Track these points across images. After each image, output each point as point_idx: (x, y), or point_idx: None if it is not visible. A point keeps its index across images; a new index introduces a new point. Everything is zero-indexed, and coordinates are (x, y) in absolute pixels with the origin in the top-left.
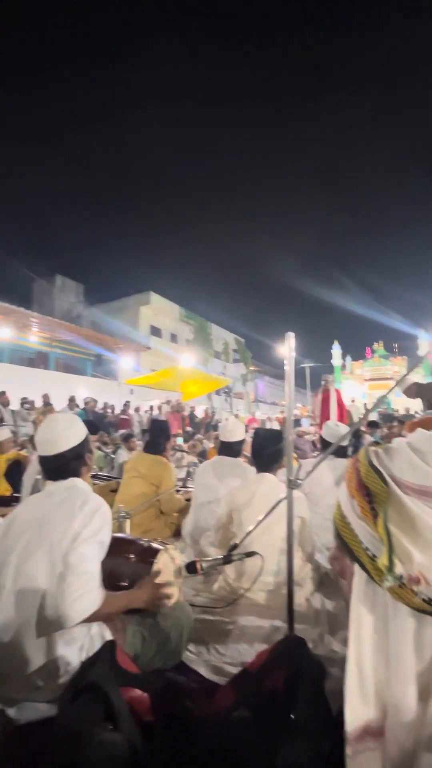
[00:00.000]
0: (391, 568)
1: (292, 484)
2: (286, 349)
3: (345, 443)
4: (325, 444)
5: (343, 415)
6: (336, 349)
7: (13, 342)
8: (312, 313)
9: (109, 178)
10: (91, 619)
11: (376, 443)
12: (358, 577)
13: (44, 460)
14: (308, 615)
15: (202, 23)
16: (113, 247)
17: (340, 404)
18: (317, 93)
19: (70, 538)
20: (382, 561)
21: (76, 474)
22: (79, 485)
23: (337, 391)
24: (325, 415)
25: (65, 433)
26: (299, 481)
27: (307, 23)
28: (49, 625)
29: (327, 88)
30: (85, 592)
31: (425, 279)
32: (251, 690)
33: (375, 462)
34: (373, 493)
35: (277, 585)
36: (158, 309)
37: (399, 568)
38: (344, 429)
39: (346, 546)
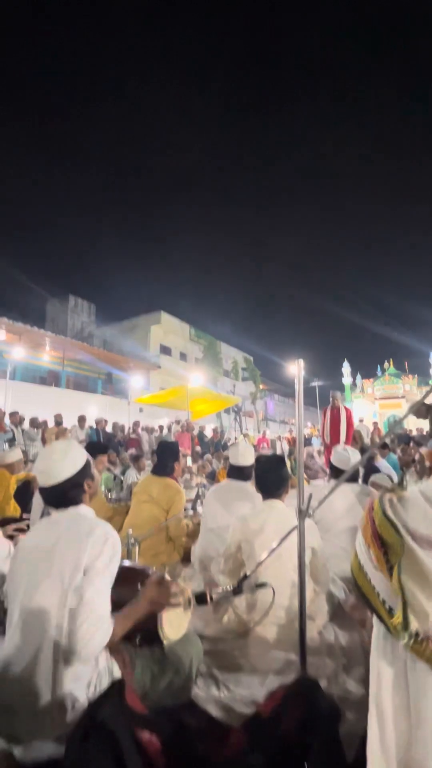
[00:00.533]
0: (406, 625)
1: (303, 514)
2: (296, 375)
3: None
4: (334, 470)
5: (351, 435)
6: (346, 368)
7: (26, 361)
8: (322, 331)
9: (121, 201)
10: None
11: (390, 490)
12: (377, 629)
13: (43, 491)
14: (321, 650)
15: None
16: (125, 268)
17: (350, 424)
18: (327, 108)
19: (80, 570)
20: (397, 618)
21: (77, 502)
22: (83, 512)
23: (347, 410)
24: (334, 436)
25: (61, 464)
26: (310, 511)
27: (308, 23)
28: (58, 661)
29: (337, 98)
30: (97, 631)
31: None
32: (264, 734)
33: (389, 512)
34: (387, 544)
35: (289, 619)
36: (168, 328)
37: (414, 625)
38: (354, 454)
39: (363, 597)
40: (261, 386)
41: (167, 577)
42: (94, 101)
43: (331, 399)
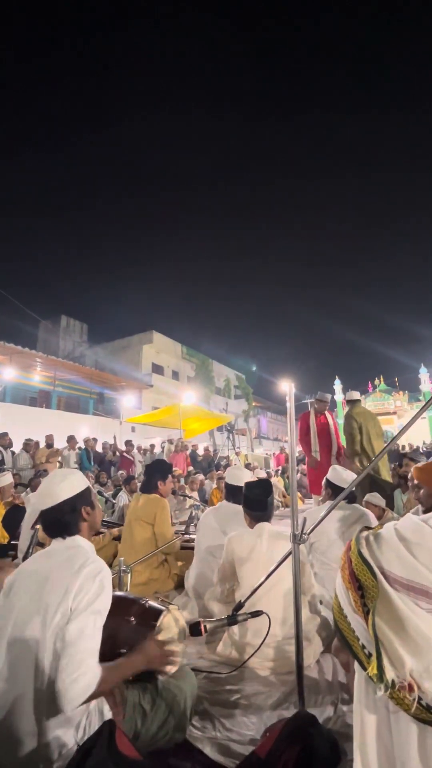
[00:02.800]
0: (380, 676)
1: (297, 539)
2: (287, 395)
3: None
4: (333, 489)
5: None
6: (338, 385)
7: (16, 381)
8: (313, 348)
9: (113, 222)
10: (89, 700)
11: (366, 528)
12: (358, 675)
13: (41, 515)
14: (320, 681)
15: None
16: (117, 289)
17: (338, 434)
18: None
19: (65, 609)
20: (371, 669)
21: (74, 530)
22: (82, 544)
23: (333, 418)
24: (325, 451)
25: (59, 486)
26: (305, 536)
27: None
28: (41, 706)
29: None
30: (81, 674)
31: (425, 312)
32: None
33: (365, 552)
34: (364, 587)
35: (284, 639)
36: (160, 347)
37: (390, 674)
38: (351, 474)
39: (345, 641)
40: (253, 404)
41: (170, 608)
42: (88, 126)
43: (314, 404)
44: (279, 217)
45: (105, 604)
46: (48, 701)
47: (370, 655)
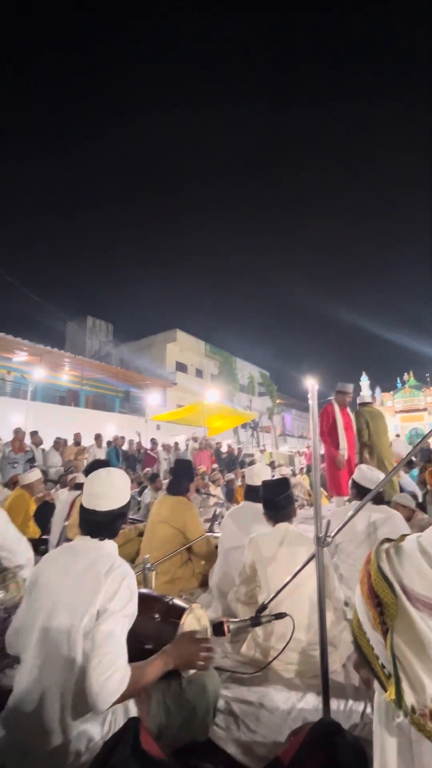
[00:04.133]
0: (399, 701)
1: (321, 542)
2: (310, 392)
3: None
4: (359, 489)
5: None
6: (364, 381)
7: (46, 381)
8: (339, 343)
9: (135, 221)
10: (121, 699)
11: (388, 540)
12: (378, 694)
13: (89, 513)
14: (347, 686)
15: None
16: (141, 288)
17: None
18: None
19: (94, 609)
20: (389, 694)
21: (112, 535)
22: (106, 549)
23: (350, 414)
24: (352, 448)
25: (121, 492)
26: (329, 539)
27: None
28: (72, 699)
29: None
30: (113, 673)
31: None
32: None
33: (385, 566)
34: (383, 604)
35: (309, 645)
36: (184, 345)
37: (410, 698)
38: (378, 474)
39: (364, 658)
40: (278, 401)
41: (192, 606)
42: (110, 125)
43: (338, 396)
44: (303, 210)
45: (134, 609)
46: (76, 696)
47: (390, 675)
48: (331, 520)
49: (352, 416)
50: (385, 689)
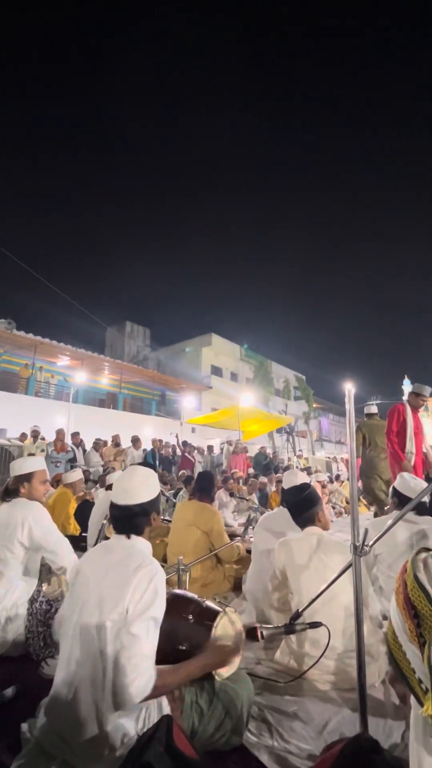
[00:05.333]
0: None
1: (358, 551)
2: (347, 398)
3: (424, 498)
4: (400, 498)
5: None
6: (406, 385)
7: (87, 384)
8: (380, 345)
9: (173, 231)
10: (150, 698)
11: (426, 549)
12: (414, 710)
13: (115, 507)
14: (386, 703)
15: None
16: (178, 294)
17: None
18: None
19: (123, 607)
20: (426, 709)
21: (140, 531)
22: (138, 546)
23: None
24: (420, 451)
25: (140, 487)
26: (366, 548)
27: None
28: (105, 693)
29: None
30: (137, 676)
31: None
32: None
33: (422, 576)
34: (420, 615)
35: (345, 652)
36: (219, 349)
37: None
38: (420, 483)
39: (400, 671)
40: (314, 405)
41: (226, 610)
42: (143, 135)
43: (412, 397)
44: (345, 213)
45: (160, 611)
46: (108, 691)
47: (427, 690)
48: (369, 529)
49: (423, 421)
50: (422, 704)
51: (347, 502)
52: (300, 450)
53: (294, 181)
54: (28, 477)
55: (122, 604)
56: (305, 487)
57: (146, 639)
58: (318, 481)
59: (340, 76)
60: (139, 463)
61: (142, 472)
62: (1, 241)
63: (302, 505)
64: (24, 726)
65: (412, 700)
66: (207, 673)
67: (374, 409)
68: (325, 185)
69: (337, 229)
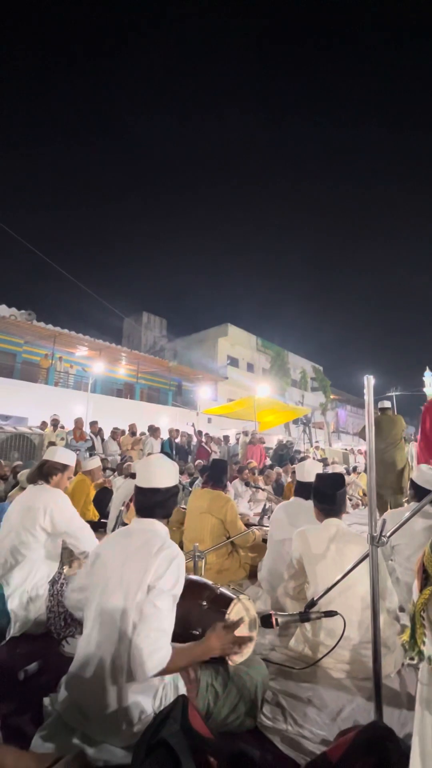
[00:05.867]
0: (413, 644)
1: (375, 541)
2: (366, 391)
3: None
4: (415, 488)
5: None
6: (428, 377)
7: (105, 374)
8: (400, 336)
9: (188, 222)
10: (162, 674)
11: None
12: (422, 672)
13: (139, 491)
14: (401, 693)
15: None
16: (194, 284)
17: None
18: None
19: (143, 587)
20: (404, 635)
21: (159, 515)
22: (158, 529)
23: None
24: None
25: (163, 473)
26: (384, 539)
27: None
28: (121, 673)
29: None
30: (156, 650)
31: None
32: None
33: None
34: (430, 576)
35: (361, 643)
36: (235, 340)
37: (430, 650)
38: None
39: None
40: (332, 396)
41: (240, 597)
42: (160, 126)
43: None
44: (360, 203)
45: (180, 588)
46: (129, 668)
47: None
48: (387, 520)
49: None
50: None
51: (364, 494)
52: (317, 441)
53: (311, 169)
54: (64, 468)
55: (145, 583)
56: (342, 479)
57: (167, 614)
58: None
59: (371, 54)
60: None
61: (165, 460)
62: (22, 234)
63: (335, 497)
64: (46, 700)
65: (421, 671)
66: (221, 657)
67: (387, 404)
68: (344, 173)
69: (355, 218)
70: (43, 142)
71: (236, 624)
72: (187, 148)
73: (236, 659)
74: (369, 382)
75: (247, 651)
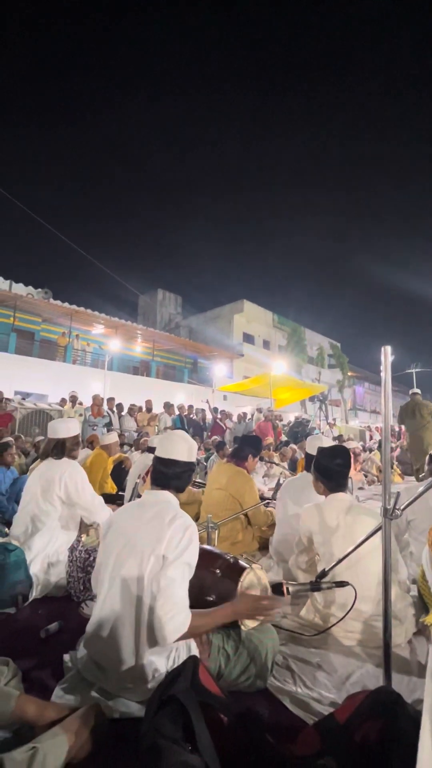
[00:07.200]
0: None
1: (388, 514)
2: (383, 363)
3: None
4: None
5: None
6: None
7: (121, 352)
8: (420, 311)
9: (203, 196)
10: (184, 638)
11: None
12: None
13: (162, 462)
14: (411, 662)
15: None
16: (209, 260)
17: None
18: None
19: (159, 554)
20: (429, 617)
21: (174, 487)
22: (170, 500)
23: None
24: None
25: (184, 447)
26: (397, 512)
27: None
28: (139, 635)
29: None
30: (175, 614)
31: None
32: (338, 741)
33: None
34: None
35: (372, 616)
36: (251, 316)
37: None
38: None
39: (424, 604)
40: (349, 373)
41: (253, 566)
42: (176, 103)
43: None
44: (374, 179)
45: (194, 557)
46: (146, 630)
47: None
48: (402, 494)
49: None
50: None
51: (379, 471)
52: (333, 418)
53: (328, 139)
54: (79, 440)
55: (159, 551)
56: (345, 450)
57: (182, 582)
58: (350, 449)
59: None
60: (173, 428)
61: (187, 437)
62: (37, 213)
63: (335, 469)
64: (66, 656)
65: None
66: (233, 622)
67: (417, 390)
68: (361, 143)
69: (373, 190)
70: (57, 119)
71: (265, 596)
72: (201, 123)
73: (249, 623)
74: (386, 353)
75: (267, 619)
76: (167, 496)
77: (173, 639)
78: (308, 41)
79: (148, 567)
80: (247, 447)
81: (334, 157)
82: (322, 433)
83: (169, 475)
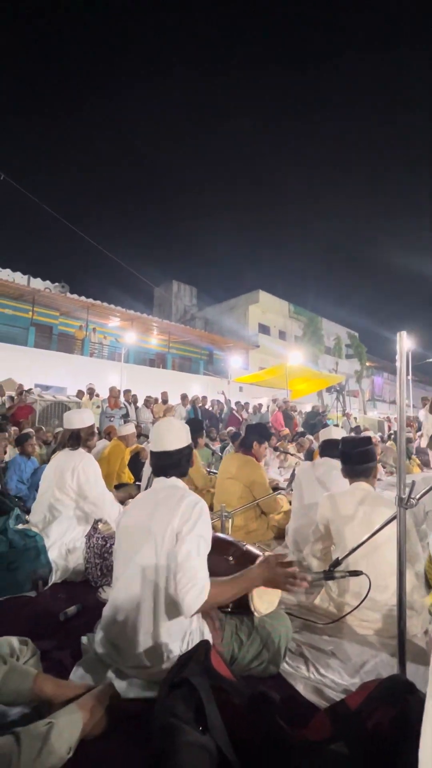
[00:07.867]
0: None
1: (403, 503)
2: (399, 349)
3: None
4: None
5: None
6: None
7: (137, 345)
8: None
9: (216, 186)
10: (206, 607)
11: None
12: None
13: (154, 455)
14: (427, 652)
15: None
16: (224, 250)
17: None
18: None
19: (172, 532)
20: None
21: (179, 473)
22: (177, 484)
23: None
24: None
25: (168, 436)
26: (413, 501)
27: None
28: (157, 615)
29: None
30: (194, 584)
31: None
32: (350, 726)
33: None
34: None
35: (386, 605)
36: (267, 306)
37: None
38: None
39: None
40: (367, 363)
41: (266, 555)
42: (187, 93)
43: None
44: (392, 165)
45: (207, 529)
46: (164, 611)
47: None
48: (418, 483)
49: None
50: None
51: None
52: (350, 409)
53: (342, 127)
54: (94, 430)
55: (172, 529)
56: (368, 439)
57: (197, 554)
58: None
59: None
60: (187, 419)
61: (172, 423)
62: (53, 207)
63: (358, 457)
64: (84, 639)
65: None
66: (247, 609)
67: None
68: (375, 130)
69: (393, 174)
70: (69, 113)
71: (287, 561)
72: (213, 113)
73: (262, 610)
74: (402, 338)
75: (273, 604)
76: (173, 481)
77: (196, 608)
78: (334, 18)
79: (164, 546)
80: (251, 435)
81: (352, 141)
82: (338, 424)
83: (167, 466)
